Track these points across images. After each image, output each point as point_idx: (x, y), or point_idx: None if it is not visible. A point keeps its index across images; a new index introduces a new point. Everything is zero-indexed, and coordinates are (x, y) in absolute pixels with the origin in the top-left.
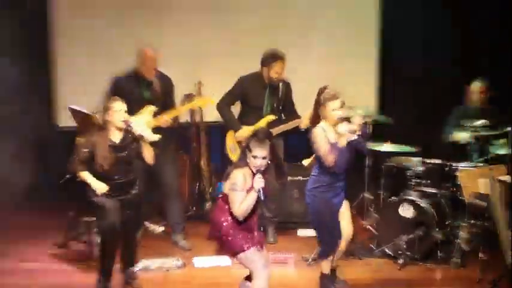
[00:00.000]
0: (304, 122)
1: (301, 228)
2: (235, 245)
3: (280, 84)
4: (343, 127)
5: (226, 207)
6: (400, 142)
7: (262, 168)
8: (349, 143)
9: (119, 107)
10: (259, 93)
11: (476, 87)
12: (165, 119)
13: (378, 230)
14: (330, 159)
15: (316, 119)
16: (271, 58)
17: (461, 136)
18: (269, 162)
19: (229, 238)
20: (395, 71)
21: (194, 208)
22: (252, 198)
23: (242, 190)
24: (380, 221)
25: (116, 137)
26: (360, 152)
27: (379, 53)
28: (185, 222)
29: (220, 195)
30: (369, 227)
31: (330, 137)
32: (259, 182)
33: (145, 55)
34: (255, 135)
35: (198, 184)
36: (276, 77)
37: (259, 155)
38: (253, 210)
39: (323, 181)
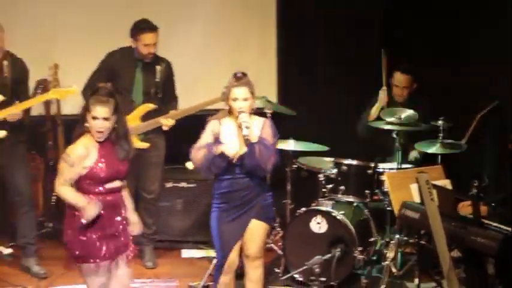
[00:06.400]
0: (167, 122)
1: (187, 248)
2: (77, 248)
3: (159, 64)
4: (243, 117)
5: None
6: (307, 139)
7: (104, 132)
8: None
9: None
10: (129, 72)
11: (398, 79)
12: (14, 112)
13: (284, 250)
14: (194, 157)
15: (228, 111)
16: (138, 28)
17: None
18: (116, 130)
19: (77, 238)
20: (297, 54)
21: (51, 224)
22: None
23: (72, 165)
24: (287, 239)
25: None
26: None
27: (278, 32)
28: (39, 242)
29: None
30: (272, 246)
31: (225, 136)
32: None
33: None
34: (95, 92)
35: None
36: (146, 51)
37: (100, 115)
38: (114, 206)
39: (218, 187)
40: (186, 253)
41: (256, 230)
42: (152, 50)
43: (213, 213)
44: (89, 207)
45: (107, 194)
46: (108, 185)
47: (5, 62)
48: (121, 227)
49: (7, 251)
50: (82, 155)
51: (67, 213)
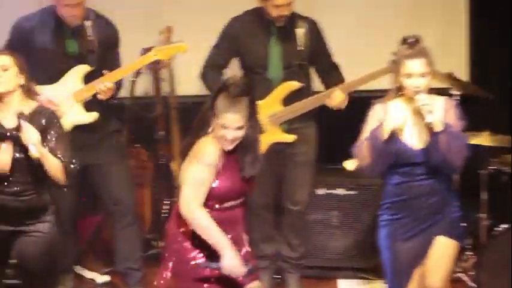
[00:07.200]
0: (339, 94)
1: (344, 277)
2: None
3: (299, 26)
4: (423, 99)
5: None
6: (509, 131)
7: (236, 142)
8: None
9: None
10: (261, 42)
11: None
12: (105, 85)
13: (477, 281)
14: (359, 153)
15: (397, 90)
16: None
17: None
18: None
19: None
20: (495, 16)
21: (162, 243)
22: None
23: (212, 167)
24: (481, 267)
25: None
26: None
27: None
28: (145, 267)
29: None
30: (461, 276)
31: (397, 122)
32: None
33: None
34: (223, 89)
35: (169, 201)
36: (277, 14)
37: (231, 124)
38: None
39: (389, 194)
40: (344, 284)
41: (442, 252)
42: (285, 13)
43: (383, 230)
44: (230, 255)
45: (222, 211)
46: (227, 204)
47: (88, 23)
48: (243, 249)
49: (103, 278)
50: (217, 162)
51: (176, 240)
